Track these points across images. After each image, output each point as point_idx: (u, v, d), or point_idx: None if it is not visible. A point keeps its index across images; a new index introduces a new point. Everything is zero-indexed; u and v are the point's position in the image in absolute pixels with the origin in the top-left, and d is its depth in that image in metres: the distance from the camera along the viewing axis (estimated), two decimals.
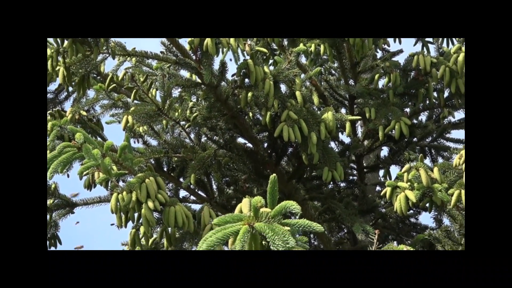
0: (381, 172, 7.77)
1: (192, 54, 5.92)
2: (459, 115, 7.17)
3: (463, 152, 4.89)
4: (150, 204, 5.02)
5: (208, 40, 5.58)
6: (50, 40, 6.76)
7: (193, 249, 5.31)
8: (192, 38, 5.70)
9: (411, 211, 5.77)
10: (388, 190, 5.41)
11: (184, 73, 6.45)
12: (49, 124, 6.27)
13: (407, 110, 6.89)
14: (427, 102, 6.90)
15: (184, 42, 6.01)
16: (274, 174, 3.49)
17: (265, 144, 6.60)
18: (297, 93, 5.98)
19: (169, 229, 5.28)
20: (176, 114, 6.63)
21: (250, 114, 6.50)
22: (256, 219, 3.31)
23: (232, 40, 5.61)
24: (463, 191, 4.88)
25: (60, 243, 7.36)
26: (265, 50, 6.30)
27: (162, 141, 6.68)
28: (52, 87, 7.87)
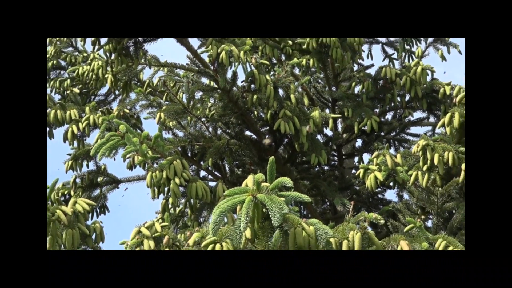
0: (356, 159, 7.78)
1: (210, 65, 5.95)
2: (418, 114, 7.13)
3: (420, 142, 4.85)
4: (177, 180, 5.06)
5: (223, 54, 5.59)
6: (100, 53, 6.77)
7: (210, 216, 5.14)
8: (210, 53, 5.72)
9: (379, 188, 5.72)
10: (361, 171, 5.45)
11: (204, 80, 6.45)
12: (100, 119, 6.30)
13: (377, 110, 6.88)
14: (392, 104, 6.90)
15: (205, 55, 6.04)
16: (272, 157, 3.53)
17: (266, 136, 6.62)
18: (292, 96, 6.03)
19: (192, 200, 5.33)
20: (198, 112, 6.67)
21: (255, 112, 6.50)
22: (258, 191, 3.33)
23: (241, 53, 5.62)
24: (420, 172, 4.88)
25: (108, 211, 7.41)
26: (267, 62, 6.32)
27: (187, 133, 6.70)
28: (102, 90, 7.81)
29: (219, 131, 6.77)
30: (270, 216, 3.23)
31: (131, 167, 6.87)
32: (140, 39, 5.87)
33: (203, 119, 6.72)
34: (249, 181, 3.43)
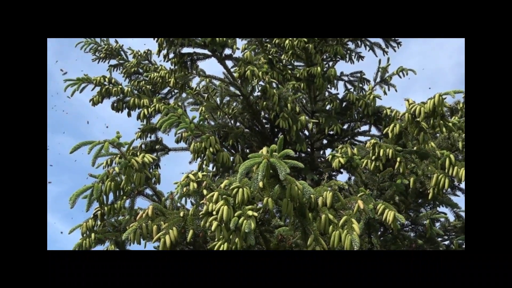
0: (321, 152, 7.64)
1: (238, 80, 5.80)
2: (364, 128, 6.94)
3: (372, 141, 4.70)
4: (211, 149, 4.90)
5: (248, 72, 5.46)
6: (165, 64, 6.58)
7: (233, 175, 4.91)
8: (240, 70, 5.58)
9: (341, 169, 5.57)
10: (330, 157, 5.30)
11: (232, 89, 6.30)
12: (162, 107, 6.15)
13: (340, 121, 6.71)
14: (350, 118, 6.76)
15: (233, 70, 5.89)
16: (282, 136, 3.38)
17: (268, 129, 6.50)
18: (288, 104, 5.88)
19: (219, 164, 5.17)
20: (225, 109, 6.51)
21: (263, 113, 6.37)
22: (271, 156, 3.18)
23: (260, 73, 5.50)
24: (369, 161, 4.74)
25: (160, 168, 7.16)
26: (275, 81, 6.20)
27: (217, 122, 6.56)
28: (164, 91, 7.57)
29: (238, 124, 6.63)
30: (278, 172, 3.08)
31: (178, 141, 6.76)
32: (195, 57, 5.70)
33: (228, 115, 6.58)
34: (264, 150, 3.27)
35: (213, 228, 3.07)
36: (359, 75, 7.56)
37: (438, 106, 4.16)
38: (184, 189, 3.67)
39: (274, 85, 5.85)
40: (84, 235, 4.63)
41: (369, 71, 8.39)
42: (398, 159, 4.55)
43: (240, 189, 3.27)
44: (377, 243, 4.50)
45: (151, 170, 4.73)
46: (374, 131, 7.01)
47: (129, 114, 6.50)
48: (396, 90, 7.13)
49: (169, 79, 6.33)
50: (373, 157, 4.66)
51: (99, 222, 4.73)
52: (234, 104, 6.59)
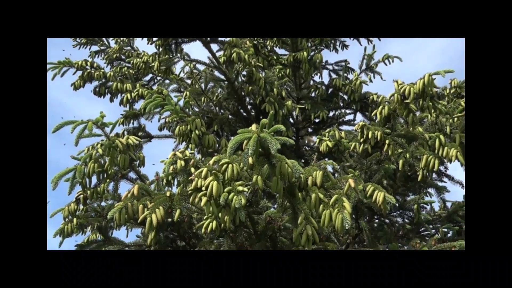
0: (306, 140, 7.60)
1: (223, 64, 5.71)
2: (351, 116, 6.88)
3: (360, 123, 4.65)
4: (197, 131, 4.82)
5: (234, 55, 5.38)
6: (147, 50, 6.46)
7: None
8: (225, 53, 5.49)
9: (329, 154, 5.53)
10: (317, 140, 5.27)
11: (217, 74, 6.21)
12: (146, 92, 6.05)
13: (326, 107, 6.66)
14: (337, 105, 6.71)
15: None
16: (272, 112, 3.31)
17: (253, 116, 6.43)
18: (275, 89, 5.82)
19: (205, 148, 5.08)
20: (210, 95, 6.42)
21: (248, 99, 6.29)
22: (261, 132, 3.11)
23: (246, 56, 5.42)
24: (357, 144, 4.70)
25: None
26: (261, 65, 6.13)
27: (201, 108, 6.47)
28: (146, 78, 7.42)
29: (222, 110, 6.54)
30: (270, 147, 3.00)
31: (161, 128, 6.69)
32: (179, 39, 5.59)
33: (212, 101, 6.48)
34: (253, 127, 3.19)
35: (202, 203, 2.99)
36: (343, 64, 7.49)
37: (428, 86, 4.13)
38: (171, 167, 3.56)
39: (259, 70, 5.76)
40: (66, 219, 4.51)
41: (353, 61, 8.25)
42: (387, 141, 4.51)
43: (230, 165, 3.19)
44: (365, 226, 4.46)
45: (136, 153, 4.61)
46: (360, 118, 6.98)
47: (111, 100, 6.39)
48: (382, 78, 7.09)
49: (153, 63, 6.20)
50: (362, 140, 4.62)
51: (81, 207, 4.62)
52: (219, 90, 6.50)
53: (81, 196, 4.60)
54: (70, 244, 4.94)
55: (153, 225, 3.31)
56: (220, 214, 3.01)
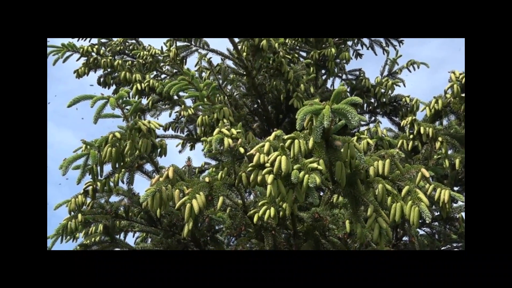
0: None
1: (249, 53, 5.24)
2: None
3: (408, 118, 4.27)
4: (225, 121, 4.33)
5: (264, 42, 4.92)
6: (154, 45, 6.01)
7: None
8: (251, 43, 5.02)
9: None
10: (355, 138, 4.80)
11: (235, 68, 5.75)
12: (157, 84, 5.56)
13: None
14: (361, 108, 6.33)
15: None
16: (341, 87, 2.85)
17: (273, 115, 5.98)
18: (301, 85, 5.38)
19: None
20: (228, 92, 5.94)
21: (271, 95, 5.83)
22: (332, 104, 2.63)
23: (276, 44, 4.98)
24: (405, 140, 4.28)
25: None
26: (289, 56, 5.68)
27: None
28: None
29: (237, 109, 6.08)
30: (349, 119, 2.51)
31: (166, 128, 6.23)
32: None
33: (228, 98, 6.01)
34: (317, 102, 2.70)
35: (269, 181, 2.46)
36: (357, 73, 7.12)
37: None
38: (217, 145, 3.03)
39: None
40: (72, 213, 3.95)
41: (367, 69, 7.98)
42: (440, 138, 4.09)
43: (296, 140, 2.70)
44: (416, 233, 3.99)
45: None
46: (386, 124, 6.55)
47: (116, 91, 5.85)
48: (404, 86, 6.71)
49: (165, 53, 5.71)
50: (411, 136, 4.18)
51: (89, 200, 4.07)
52: (233, 89, 6.03)
53: (90, 187, 4.04)
54: (70, 244, 4.42)
55: (194, 212, 2.78)
56: (287, 196, 2.49)
